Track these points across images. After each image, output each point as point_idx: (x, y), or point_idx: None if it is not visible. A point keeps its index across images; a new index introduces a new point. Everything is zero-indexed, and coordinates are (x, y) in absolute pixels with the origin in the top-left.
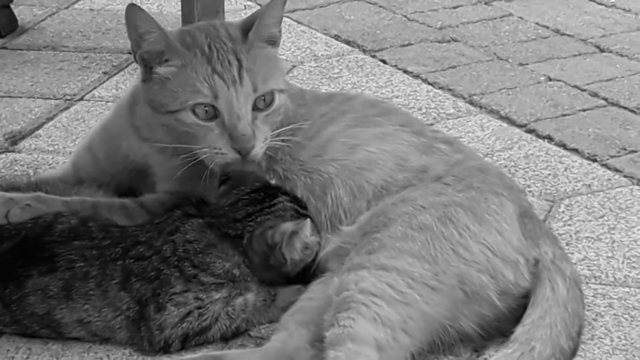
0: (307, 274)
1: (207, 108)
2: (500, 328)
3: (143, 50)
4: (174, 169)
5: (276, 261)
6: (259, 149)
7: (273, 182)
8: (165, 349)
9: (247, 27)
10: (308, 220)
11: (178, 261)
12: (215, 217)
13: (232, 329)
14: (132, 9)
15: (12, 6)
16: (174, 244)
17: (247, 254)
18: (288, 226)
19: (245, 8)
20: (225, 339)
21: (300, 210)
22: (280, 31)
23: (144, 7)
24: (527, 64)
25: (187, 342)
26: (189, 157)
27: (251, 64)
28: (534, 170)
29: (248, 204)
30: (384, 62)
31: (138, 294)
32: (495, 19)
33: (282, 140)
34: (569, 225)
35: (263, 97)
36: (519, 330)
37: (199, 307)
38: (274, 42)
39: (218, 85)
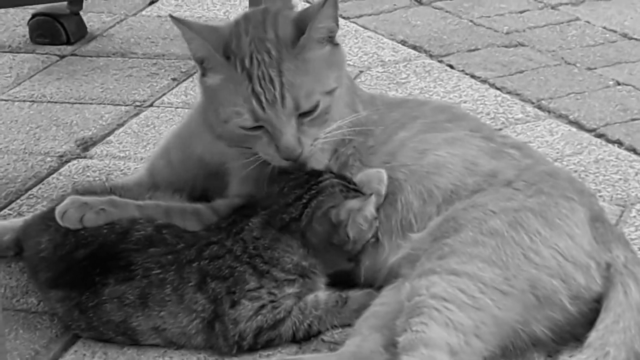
0: (363, 252)
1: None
2: (573, 332)
3: (192, 56)
4: (247, 165)
5: (339, 239)
6: (307, 152)
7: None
8: (239, 343)
9: (300, 25)
10: (372, 196)
11: (250, 258)
12: (268, 208)
13: (305, 326)
14: (172, 20)
15: (80, 13)
16: (244, 242)
17: (306, 235)
18: (354, 203)
19: None
20: (297, 340)
21: (349, 185)
22: (337, 24)
23: None
24: (595, 69)
25: (260, 337)
26: (253, 157)
27: (294, 76)
28: (605, 175)
29: (294, 187)
30: (451, 67)
31: (213, 293)
32: (562, 23)
33: (343, 135)
34: None
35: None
36: (593, 335)
37: (272, 301)
38: (330, 37)
39: (257, 109)
